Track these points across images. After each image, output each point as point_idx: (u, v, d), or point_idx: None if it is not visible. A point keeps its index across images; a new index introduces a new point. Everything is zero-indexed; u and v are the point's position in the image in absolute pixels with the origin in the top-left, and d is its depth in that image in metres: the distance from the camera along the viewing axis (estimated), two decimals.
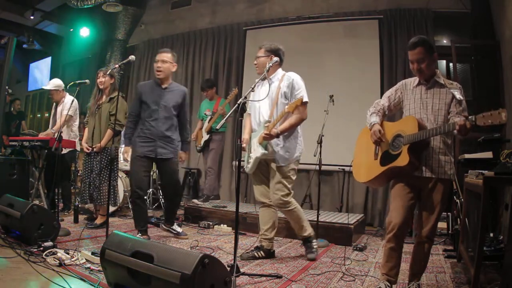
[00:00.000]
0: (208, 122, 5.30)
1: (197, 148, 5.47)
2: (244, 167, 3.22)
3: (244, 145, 3.11)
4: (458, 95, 2.20)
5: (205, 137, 5.30)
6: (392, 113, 2.61)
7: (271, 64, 2.97)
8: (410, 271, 2.40)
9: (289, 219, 3.26)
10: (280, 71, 3.21)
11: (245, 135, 3.22)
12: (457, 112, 2.21)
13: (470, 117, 1.99)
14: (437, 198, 2.27)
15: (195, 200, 5.21)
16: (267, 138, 3.00)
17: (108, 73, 4.01)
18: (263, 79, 3.06)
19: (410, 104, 2.41)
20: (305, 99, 3.04)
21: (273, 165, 3.12)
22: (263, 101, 3.14)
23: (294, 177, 3.16)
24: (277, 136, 3.02)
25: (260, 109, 3.18)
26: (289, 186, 3.13)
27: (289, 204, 3.13)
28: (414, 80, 2.45)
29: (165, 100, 3.56)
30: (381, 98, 2.64)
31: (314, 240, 3.29)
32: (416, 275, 2.38)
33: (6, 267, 2.50)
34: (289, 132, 3.10)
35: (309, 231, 3.26)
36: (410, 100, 2.41)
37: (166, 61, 3.51)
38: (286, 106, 2.94)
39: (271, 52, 3.17)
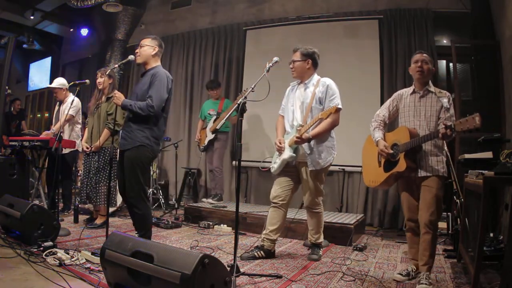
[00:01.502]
0: (214, 122, 5.30)
1: (200, 148, 5.47)
2: (271, 166, 3.29)
3: (281, 145, 3.14)
4: (446, 104, 2.55)
5: (210, 136, 5.30)
6: (391, 121, 2.92)
7: (271, 64, 2.97)
8: (419, 262, 2.61)
9: (310, 221, 3.29)
10: (315, 76, 3.24)
11: (279, 136, 3.26)
12: (445, 118, 2.54)
13: (450, 124, 2.30)
14: (433, 191, 2.55)
15: (210, 200, 5.19)
16: (298, 142, 3.04)
17: (107, 73, 4.02)
18: (295, 81, 3.17)
19: (405, 112, 2.75)
20: (339, 105, 3.08)
21: (306, 169, 3.14)
22: (297, 105, 3.20)
23: (324, 178, 3.23)
24: (309, 140, 3.04)
25: (294, 112, 3.21)
26: (320, 187, 3.20)
27: (319, 206, 3.22)
28: (409, 89, 2.79)
29: (136, 88, 3.21)
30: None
31: (322, 249, 3.35)
32: (424, 266, 2.55)
33: (6, 267, 2.49)
34: (322, 137, 3.11)
35: (322, 239, 3.32)
36: (405, 108, 2.75)
37: (143, 45, 3.19)
38: (320, 113, 2.97)
39: (307, 56, 3.19)
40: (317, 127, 3.05)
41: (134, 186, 2.99)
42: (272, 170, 3.27)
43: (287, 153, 3.11)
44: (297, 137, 3.01)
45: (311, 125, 3.03)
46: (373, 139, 2.84)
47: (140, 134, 3.00)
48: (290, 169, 3.22)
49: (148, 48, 3.18)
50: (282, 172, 3.23)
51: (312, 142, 3.09)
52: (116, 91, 3.15)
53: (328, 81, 3.17)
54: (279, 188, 3.24)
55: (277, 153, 3.24)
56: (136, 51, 3.21)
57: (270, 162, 3.38)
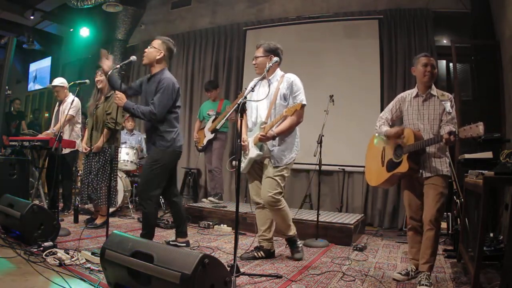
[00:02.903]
0: (212, 122, 5.30)
1: (199, 148, 5.47)
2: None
3: (245, 144, 3.09)
4: (448, 108, 2.61)
5: (209, 136, 5.30)
6: (393, 123, 2.95)
7: (271, 64, 2.96)
8: (420, 260, 2.61)
9: (275, 218, 3.18)
10: (279, 72, 3.18)
11: (244, 135, 3.19)
12: (447, 121, 2.60)
13: (453, 130, 2.37)
14: (438, 189, 2.58)
15: (211, 198, 5.19)
16: (263, 140, 3.00)
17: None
18: (263, 79, 3.06)
19: (408, 114, 2.79)
20: (304, 102, 3.03)
21: (268, 164, 3.10)
22: (261, 101, 3.12)
23: (287, 175, 3.15)
24: (273, 138, 3.01)
25: (258, 109, 3.16)
26: (282, 184, 3.10)
27: (279, 203, 3.08)
28: (412, 92, 2.81)
29: (146, 93, 3.20)
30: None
31: (298, 240, 3.26)
32: (425, 265, 2.55)
33: (6, 267, 2.49)
34: (286, 133, 3.08)
35: (294, 230, 3.23)
36: (408, 111, 2.79)
37: (151, 46, 3.18)
38: (285, 110, 2.92)
39: (270, 51, 3.14)
40: (281, 124, 3.00)
41: (149, 185, 3.07)
42: (241, 170, 3.19)
43: (254, 152, 3.06)
44: (262, 135, 2.97)
45: (275, 122, 2.99)
46: (381, 135, 2.87)
47: (160, 139, 3.10)
48: (258, 166, 3.18)
49: (154, 51, 3.15)
50: (252, 170, 3.19)
51: (276, 139, 3.05)
52: (117, 92, 3.13)
53: (292, 77, 3.11)
54: (255, 189, 3.21)
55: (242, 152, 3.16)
56: (145, 50, 3.20)
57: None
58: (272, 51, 3.14)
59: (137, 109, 3.01)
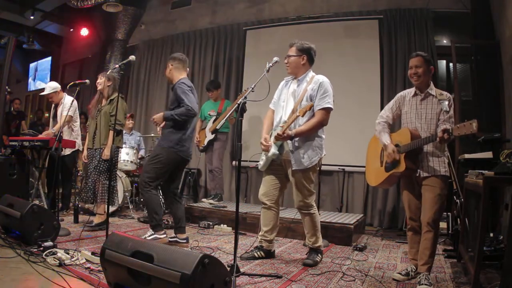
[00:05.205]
0: (213, 123, 5.31)
1: (200, 148, 5.47)
2: (258, 163, 3.22)
3: (268, 144, 3.05)
4: (446, 107, 2.59)
5: (210, 136, 5.30)
6: (395, 121, 2.94)
7: (271, 64, 2.95)
8: (418, 261, 2.62)
9: (304, 223, 3.14)
10: (310, 73, 3.14)
11: (264, 133, 3.16)
12: (444, 120, 2.59)
13: (448, 128, 2.36)
14: (435, 191, 2.58)
15: (210, 200, 5.18)
16: (279, 138, 2.96)
17: (106, 74, 4.02)
18: (298, 80, 3.11)
19: (407, 113, 2.79)
20: (329, 105, 2.97)
21: (290, 168, 3.05)
22: (288, 101, 3.11)
23: (313, 177, 3.09)
24: (290, 138, 2.95)
25: (284, 108, 3.13)
26: (310, 187, 3.06)
27: (311, 207, 3.08)
28: (411, 91, 2.81)
29: (170, 101, 3.63)
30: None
31: (320, 254, 3.15)
32: (423, 265, 2.56)
33: (6, 267, 2.49)
34: (308, 135, 3.01)
35: (320, 242, 3.15)
36: (407, 110, 2.79)
37: (165, 68, 3.66)
38: (298, 110, 2.92)
39: (302, 51, 3.11)
40: (302, 126, 2.96)
41: (145, 174, 3.40)
42: (259, 167, 3.21)
43: (271, 150, 3.03)
44: (278, 134, 2.92)
45: (290, 123, 2.95)
46: (380, 142, 2.84)
47: (164, 138, 3.46)
48: (277, 167, 3.14)
49: (168, 69, 3.56)
50: (269, 170, 3.16)
51: (296, 141, 2.99)
52: (155, 116, 3.46)
53: (321, 78, 3.05)
54: (265, 188, 3.18)
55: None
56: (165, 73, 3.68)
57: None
58: (305, 51, 3.12)
59: (174, 114, 3.31)
